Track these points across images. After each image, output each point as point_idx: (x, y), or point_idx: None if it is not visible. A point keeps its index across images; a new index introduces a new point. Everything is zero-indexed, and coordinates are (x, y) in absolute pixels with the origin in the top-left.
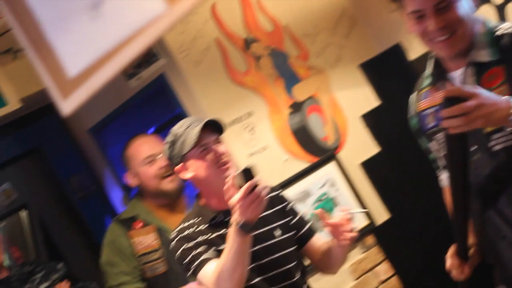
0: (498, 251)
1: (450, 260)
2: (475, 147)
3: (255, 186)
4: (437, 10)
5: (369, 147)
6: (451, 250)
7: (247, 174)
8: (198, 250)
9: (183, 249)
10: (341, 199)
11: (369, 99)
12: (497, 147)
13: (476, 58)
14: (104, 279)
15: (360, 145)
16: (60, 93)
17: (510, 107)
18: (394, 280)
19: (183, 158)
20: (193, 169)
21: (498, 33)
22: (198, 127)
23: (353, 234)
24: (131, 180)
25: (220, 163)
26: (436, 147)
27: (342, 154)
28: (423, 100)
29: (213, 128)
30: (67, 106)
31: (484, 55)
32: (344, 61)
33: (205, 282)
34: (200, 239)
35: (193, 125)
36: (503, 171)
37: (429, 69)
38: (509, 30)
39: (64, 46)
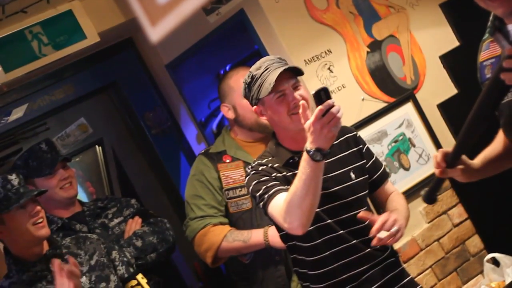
0: None
1: (438, 155)
2: None
3: (329, 108)
4: None
5: (447, 88)
6: (446, 150)
7: (321, 96)
8: (271, 183)
9: (257, 181)
10: (417, 140)
11: (448, 39)
12: None
13: None
14: (187, 211)
15: (438, 86)
16: (149, 19)
17: None
18: (468, 224)
19: (260, 101)
20: (269, 113)
21: None
22: (275, 73)
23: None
24: (227, 112)
25: (295, 110)
26: None
27: (419, 95)
28: (484, 51)
29: (292, 71)
30: (155, 33)
31: None
32: (425, 0)
33: (276, 211)
34: (274, 174)
35: (271, 68)
36: None
37: (491, 19)
38: None
39: None
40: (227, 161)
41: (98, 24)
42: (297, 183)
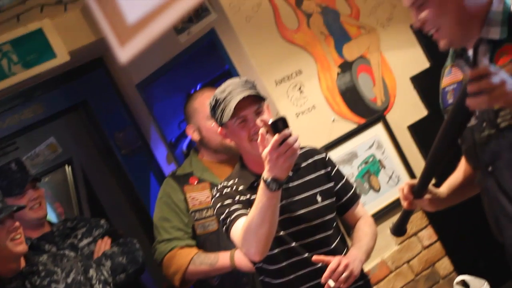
0: (502, 229)
1: (405, 188)
2: (485, 123)
3: (286, 138)
4: (416, 6)
5: (418, 110)
6: (412, 182)
7: (278, 125)
8: (234, 207)
9: (221, 205)
10: (387, 161)
11: (419, 61)
12: (504, 124)
13: (487, 35)
14: (155, 234)
15: (409, 108)
16: (118, 40)
17: None
18: (437, 246)
19: (224, 125)
20: (232, 137)
21: None
22: (236, 99)
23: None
24: (192, 133)
25: (255, 137)
26: None
27: (390, 116)
28: (446, 77)
29: (255, 96)
30: (124, 54)
31: (494, 33)
32: (396, 20)
33: (235, 237)
34: (238, 198)
35: (233, 92)
36: (509, 148)
37: None
38: None
39: None
40: (194, 183)
41: (69, 43)
42: (253, 211)
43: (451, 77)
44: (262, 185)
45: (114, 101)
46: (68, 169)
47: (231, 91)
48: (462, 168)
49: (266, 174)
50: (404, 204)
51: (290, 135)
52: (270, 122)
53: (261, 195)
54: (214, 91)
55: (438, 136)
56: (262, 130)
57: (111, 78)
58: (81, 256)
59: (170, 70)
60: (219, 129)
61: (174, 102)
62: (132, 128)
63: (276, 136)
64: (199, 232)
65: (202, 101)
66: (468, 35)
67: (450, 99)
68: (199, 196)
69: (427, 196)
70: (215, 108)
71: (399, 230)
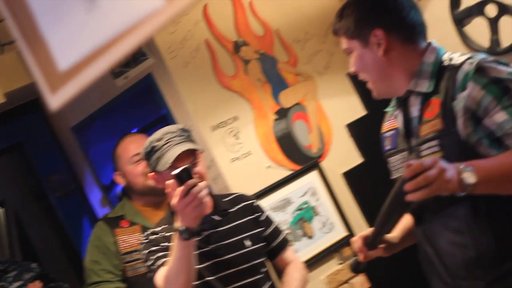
0: (431, 284)
1: (358, 242)
2: None
3: (191, 188)
4: (347, 54)
5: (353, 157)
6: (366, 233)
7: (182, 176)
8: (159, 255)
9: (148, 251)
10: (321, 208)
11: (355, 109)
12: None
13: (414, 88)
14: (85, 277)
15: (344, 155)
16: (49, 87)
17: (460, 172)
18: None
19: (157, 171)
20: (163, 184)
21: (444, 63)
22: (174, 151)
23: None
24: (119, 179)
25: None
26: (391, 169)
27: (325, 163)
28: (386, 122)
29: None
30: (55, 101)
31: (422, 86)
32: (333, 68)
33: (158, 285)
34: (164, 244)
35: (171, 142)
36: (437, 200)
37: None
38: (453, 62)
39: (56, 38)
40: (125, 225)
41: (4, 84)
42: (171, 260)
43: (389, 123)
44: (176, 235)
45: (49, 143)
46: (0, 211)
47: (169, 140)
48: None
49: (178, 224)
50: (360, 257)
51: (195, 185)
52: (173, 174)
53: (176, 245)
54: (134, 136)
55: (390, 196)
56: (171, 181)
57: (47, 120)
58: None
59: (106, 114)
60: (152, 173)
61: (109, 145)
62: (66, 171)
63: (181, 188)
64: (130, 275)
65: (124, 146)
66: (397, 87)
67: (388, 146)
68: (130, 238)
69: (382, 245)
70: (151, 154)
71: (358, 267)
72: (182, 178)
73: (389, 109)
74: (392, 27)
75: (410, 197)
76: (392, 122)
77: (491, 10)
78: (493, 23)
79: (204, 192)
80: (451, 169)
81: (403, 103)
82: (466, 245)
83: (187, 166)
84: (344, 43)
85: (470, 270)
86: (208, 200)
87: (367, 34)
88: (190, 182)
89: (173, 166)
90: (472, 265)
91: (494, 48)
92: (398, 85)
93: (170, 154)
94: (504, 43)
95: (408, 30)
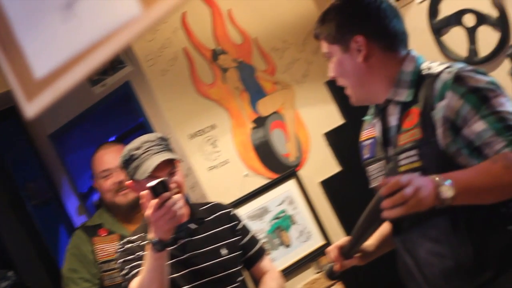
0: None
1: (334, 251)
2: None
3: (165, 201)
4: (327, 58)
5: (330, 166)
6: (341, 242)
7: (158, 189)
8: (134, 264)
9: (123, 260)
10: (298, 217)
11: (333, 117)
12: None
13: (393, 97)
14: (63, 285)
15: (321, 164)
16: (25, 94)
17: (437, 187)
18: None
19: (135, 180)
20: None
21: (423, 72)
22: (153, 160)
23: None
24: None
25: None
26: (369, 178)
27: (302, 172)
28: (364, 131)
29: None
30: (31, 109)
31: (401, 95)
32: (311, 77)
33: None
34: (139, 253)
35: (150, 151)
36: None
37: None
38: (431, 71)
39: (33, 46)
40: (103, 234)
41: None
42: (143, 270)
43: (368, 131)
44: (149, 246)
45: (26, 151)
46: None
47: (148, 149)
48: None
49: (150, 236)
50: (336, 266)
51: (169, 198)
52: (149, 186)
53: (148, 256)
54: (108, 149)
55: (368, 208)
56: (146, 192)
57: (24, 127)
58: None
59: (83, 122)
60: (129, 181)
61: (87, 153)
62: (43, 179)
63: (155, 200)
64: (107, 284)
65: (97, 159)
66: (376, 94)
67: (366, 154)
68: (108, 247)
69: (357, 254)
70: (129, 162)
71: (333, 274)
72: (157, 191)
73: (367, 118)
74: (374, 34)
75: (386, 214)
76: (370, 130)
77: (469, 19)
78: (471, 32)
79: (179, 205)
80: (427, 186)
81: (381, 112)
82: (445, 255)
83: (164, 179)
84: (325, 47)
85: (448, 280)
86: (183, 211)
87: (348, 40)
88: (165, 195)
89: (152, 175)
90: (451, 275)
91: (472, 58)
92: (376, 92)
93: (149, 163)
94: (482, 52)
95: (389, 38)
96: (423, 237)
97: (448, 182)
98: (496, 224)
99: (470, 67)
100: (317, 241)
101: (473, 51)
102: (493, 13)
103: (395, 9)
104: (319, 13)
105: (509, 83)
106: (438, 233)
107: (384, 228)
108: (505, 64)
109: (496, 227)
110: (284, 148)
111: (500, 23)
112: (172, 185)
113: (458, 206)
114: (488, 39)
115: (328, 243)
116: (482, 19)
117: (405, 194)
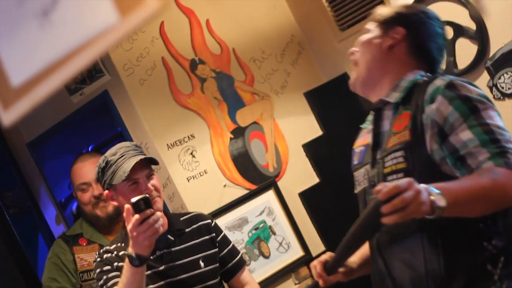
0: None
1: (317, 265)
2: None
3: (147, 217)
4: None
5: (309, 177)
6: (324, 257)
7: (140, 205)
8: (111, 275)
9: (100, 270)
10: (278, 228)
11: (312, 128)
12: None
13: (385, 97)
14: None
15: (300, 175)
16: (1, 102)
17: (430, 195)
18: None
19: (112, 187)
20: (120, 199)
21: (418, 81)
22: (130, 161)
23: None
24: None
25: None
26: (354, 183)
27: (281, 183)
28: (359, 138)
29: (146, 160)
30: (8, 116)
31: (392, 97)
32: (290, 88)
33: None
34: (116, 264)
35: (126, 155)
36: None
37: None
38: (426, 79)
39: (9, 53)
40: (83, 244)
41: None
42: (120, 283)
43: (361, 139)
44: (127, 260)
45: (4, 159)
46: None
47: (124, 153)
48: None
49: (129, 250)
50: (320, 282)
51: (151, 215)
52: (132, 201)
53: (126, 270)
54: (86, 161)
55: (357, 224)
56: (128, 206)
57: (2, 135)
58: None
59: (62, 130)
60: (106, 192)
61: (65, 162)
62: (21, 187)
63: (137, 216)
64: None
65: (75, 170)
66: (375, 87)
67: (356, 161)
68: (88, 257)
69: (341, 269)
70: (105, 170)
71: None
72: (139, 207)
73: (364, 126)
74: (414, 38)
75: (386, 220)
76: (364, 138)
77: (447, 32)
78: (450, 45)
79: (160, 222)
80: (424, 191)
81: (377, 117)
82: (417, 264)
83: (147, 196)
84: (370, 24)
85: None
86: (162, 223)
87: (392, 27)
88: (147, 212)
89: (130, 177)
90: (420, 283)
91: (451, 70)
92: (377, 85)
93: (126, 165)
94: (461, 65)
95: (421, 50)
96: (399, 247)
97: (439, 192)
98: (471, 238)
99: (465, 79)
100: (296, 252)
101: (451, 63)
102: (472, 25)
103: (444, 42)
104: (297, 25)
105: (488, 95)
106: (414, 245)
107: (366, 249)
108: (484, 76)
109: (472, 242)
110: (263, 158)
111: (478, 35)
112: (150, 188)
113: (437, 220)
114: (466, 51)
115: (307, 254)
116: (460, 31)
117: (406, 198)
